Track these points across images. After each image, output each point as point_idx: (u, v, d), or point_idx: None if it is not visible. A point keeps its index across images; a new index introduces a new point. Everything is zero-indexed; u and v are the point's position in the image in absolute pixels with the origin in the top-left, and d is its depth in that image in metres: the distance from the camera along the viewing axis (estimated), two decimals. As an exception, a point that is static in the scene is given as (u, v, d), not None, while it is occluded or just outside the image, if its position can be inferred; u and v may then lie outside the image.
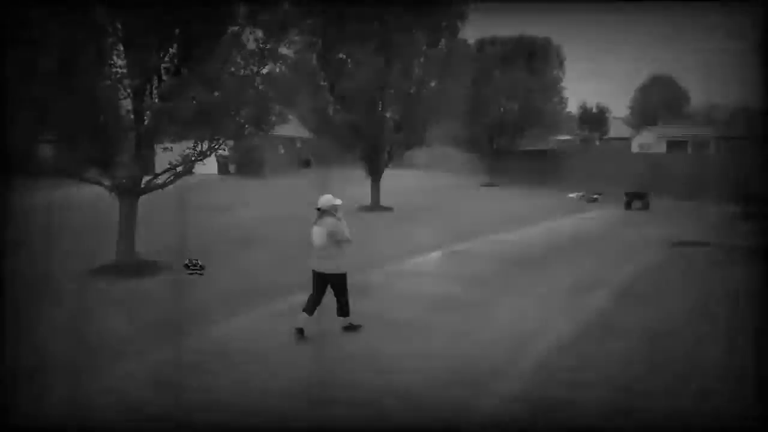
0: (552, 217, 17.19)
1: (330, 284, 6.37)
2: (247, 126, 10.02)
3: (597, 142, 50.59)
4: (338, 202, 6.32)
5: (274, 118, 9.82)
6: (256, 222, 15.49)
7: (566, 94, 26.86)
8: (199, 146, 9.92)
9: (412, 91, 17.24)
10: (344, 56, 16.68)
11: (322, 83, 16.28)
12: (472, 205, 20.45)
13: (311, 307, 6.29)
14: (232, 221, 15.73)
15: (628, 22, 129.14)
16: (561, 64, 26.10)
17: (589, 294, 8.27)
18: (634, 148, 44.16)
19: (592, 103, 50.55)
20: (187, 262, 8.00)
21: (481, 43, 25.65)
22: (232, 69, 9.45)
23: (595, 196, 21.50)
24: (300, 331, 6.19)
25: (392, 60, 16.08)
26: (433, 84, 17.79)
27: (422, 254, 11.44)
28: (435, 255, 11.48)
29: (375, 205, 17.94)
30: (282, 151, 39.48)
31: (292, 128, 34.33)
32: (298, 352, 5.99)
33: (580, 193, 22.84)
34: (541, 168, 28.86)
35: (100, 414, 4.57)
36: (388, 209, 17.94)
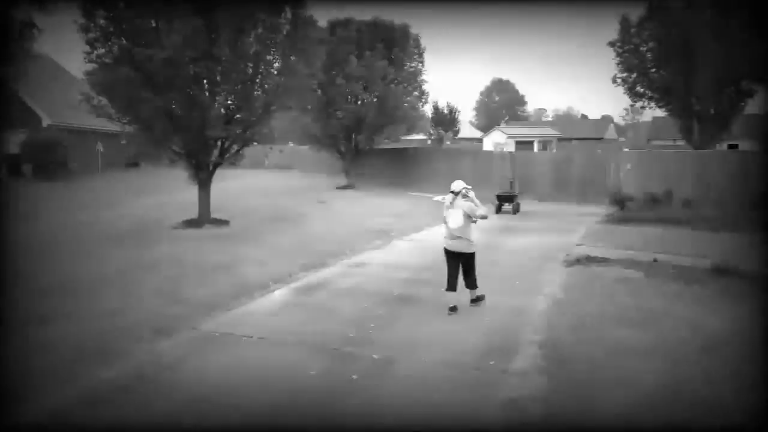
0: (420, 225, 14.60)
1: (462, 261, 7.00)
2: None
3: (448, 142, 50.74)
4: (469, 186, 6.98)
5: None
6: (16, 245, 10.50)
7: (426, 88, 24.67)
8: None
9: (249, 71, 13.41)
10: (152, 21, 12.31)
11: (116, 52, 11.71)
12: (328, 212, 17.19)
13: (453, 283, 7.02)
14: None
15: (467, 27, 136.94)
16: (420, 54, 23.94)
17: (510, 364, 5.38)
18: (487, 147, 44.68)
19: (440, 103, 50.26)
20: None
21: (333, 25, 22.45)
22: None
23: (463, 199, 19.49)
24: (453, 308, 6.94)
25: (218, 26, 12.11)
26: (276, 64, 14.13)
27: (256, 296, 7.82)
28: (275, 296, 7.91)
29: (204, 219, 13.75)
30: (101, 148, 32.73)
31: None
32: None
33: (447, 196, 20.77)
34: (402, 168, 26.66)
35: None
36: (223, 223, 13.89)
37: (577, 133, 53.08)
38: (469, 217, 6.84)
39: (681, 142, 40.59)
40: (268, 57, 13.50)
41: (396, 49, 22.82)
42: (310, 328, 6.49)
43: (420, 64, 24.06)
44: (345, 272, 9.34)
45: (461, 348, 5.85)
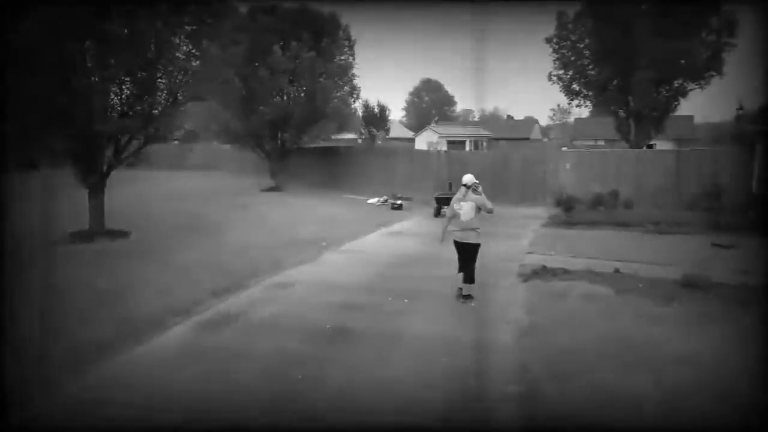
0: (356, 233, 13.09)
1: (468, 252, 7.21)
2: None
3: (379, 142, 49.57)
4: (477, 181, 7.31)
5: None
6: None
7: (357, 83, 23.10)
8: None
9: (148, 54, 11.30)
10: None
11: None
12: (250, 219, 15.29)
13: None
14: None
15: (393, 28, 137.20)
16: (351, 47, 22.38)
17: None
18: (420, 146, 43.84)
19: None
20: None
21: (254, 11, 20.40)
22: None
23: (399, 202, 18.19)
24: (467, 297, 7.24)
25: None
26: (183, 47, 12.10)
27: (145, 338, 5.98)
28: (171, 336, 6.10)
29: (95, 230, 11.50)
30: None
31: None
32: None
33: (382, 199, 19.38)
34: (333, 169, 25.02)
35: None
36: (120, 235, 11.71)
37: (504, 133, 53.62)
38: (479, 210, 7.17)
39: (602, 142, 41.66)
40: (173, 38, 11.47)
41: (325, 40, 21.10)
42: (214, 386, 4.81)
43: (351, 58, 22.47)
44: (266, 297, 7.65)
45: (416, 409, 4.40)
